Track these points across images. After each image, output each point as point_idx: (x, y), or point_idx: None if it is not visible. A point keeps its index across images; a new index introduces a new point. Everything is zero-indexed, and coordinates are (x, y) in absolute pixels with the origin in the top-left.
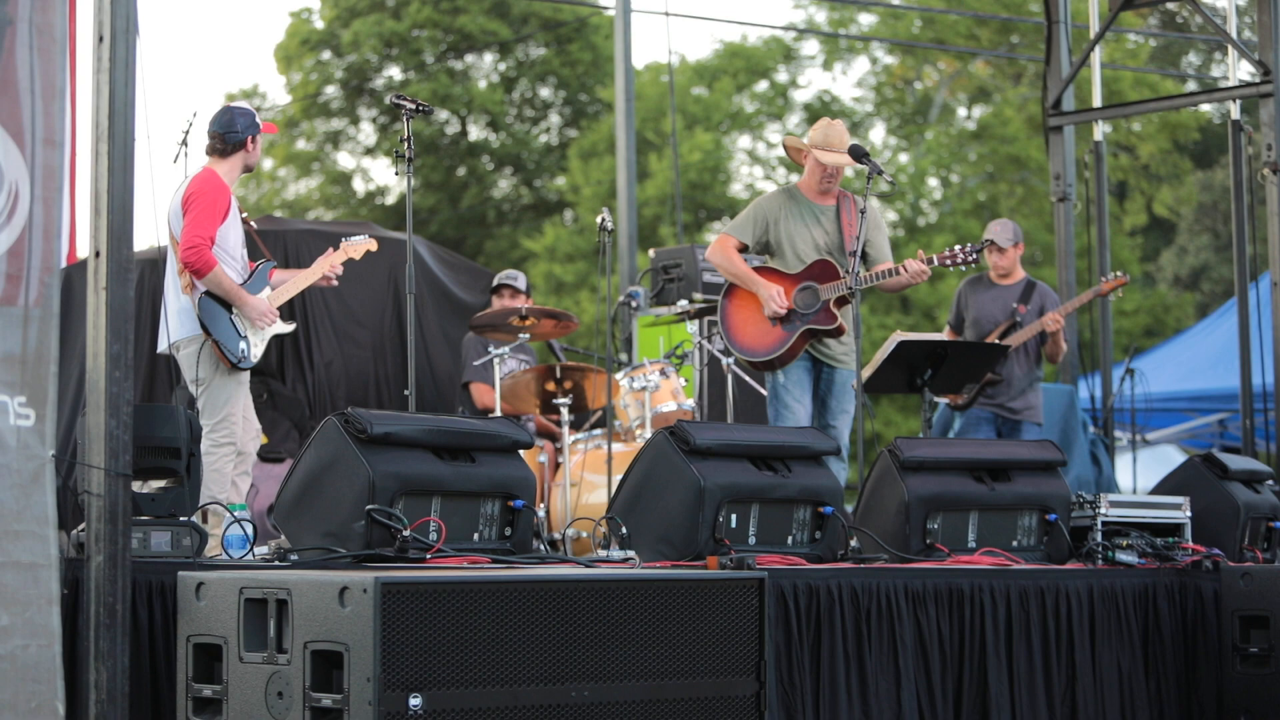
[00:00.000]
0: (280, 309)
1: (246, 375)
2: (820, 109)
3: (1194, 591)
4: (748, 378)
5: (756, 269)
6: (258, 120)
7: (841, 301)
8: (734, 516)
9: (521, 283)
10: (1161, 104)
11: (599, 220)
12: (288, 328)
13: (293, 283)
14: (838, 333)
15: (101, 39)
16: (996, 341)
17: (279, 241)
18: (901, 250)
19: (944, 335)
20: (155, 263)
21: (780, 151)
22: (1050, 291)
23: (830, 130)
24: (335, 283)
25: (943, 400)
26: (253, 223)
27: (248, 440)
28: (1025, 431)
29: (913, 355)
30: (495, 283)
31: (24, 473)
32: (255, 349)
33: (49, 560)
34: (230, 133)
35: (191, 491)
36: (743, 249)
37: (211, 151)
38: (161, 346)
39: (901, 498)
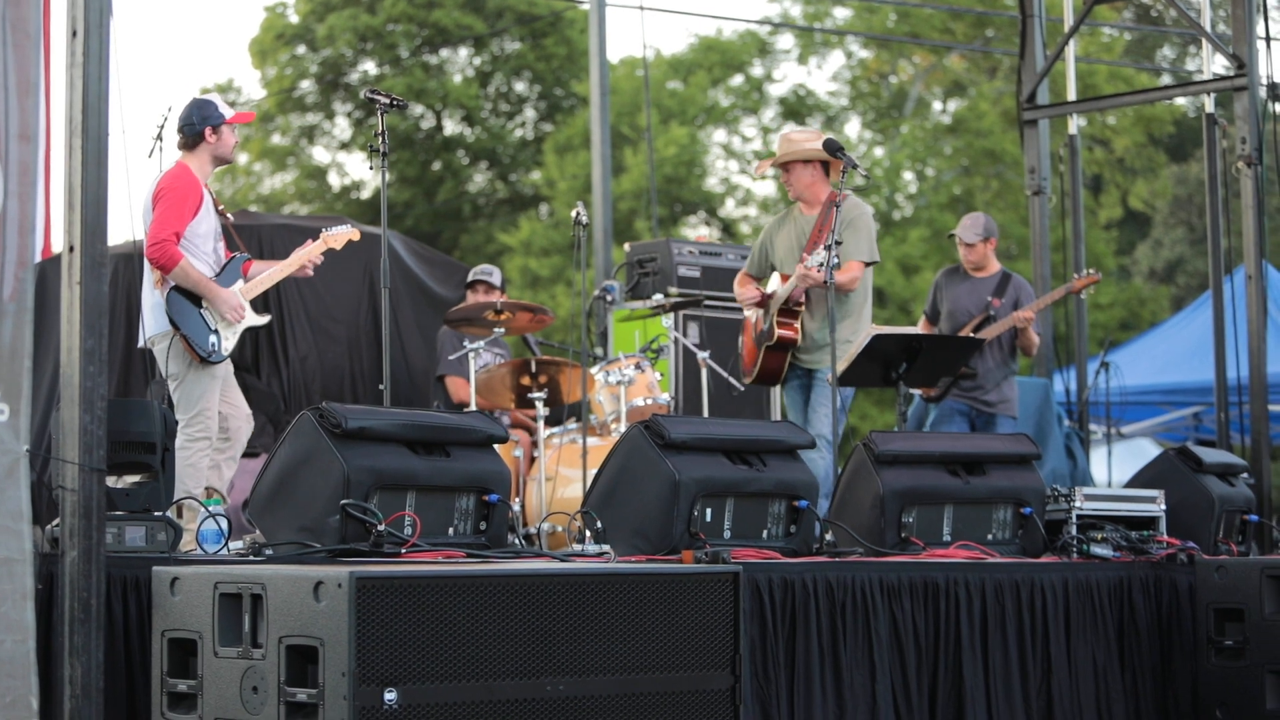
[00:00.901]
0: (256, 301)
1: (222, 368)
2: (795, 103)
3: (1169, 585)
4: (723, 372)
5: (762, 293)
6: (221, 110)
7: (787, 312)
8: (709, 510)
9: (496, 278)
10: (1136, 97)
11: (574, 214)
12: (261, 320)
13: (270, 274)
14: (789, 342)
15: (75, 33)
16: (971, 335)
17: (254, 236)
18: (880, 244)
19: (920, 327)
20: (130, 257)
21: (755, 146)
22: (1025, 284)
23: (781, 143)
24: (312, 273)
25: (917, 393)
26: (229, 215)
27: (239, 427)
28: (1000, 425)
29: (887, 349)
30: (470, 278)
31: None
32: (227, 342)
33: (23, 555)
34: (187, 125)
35: (166, 486)
36: (757, 278)
37: (180, 146)
38: (140, 342)
39: (876, 491)
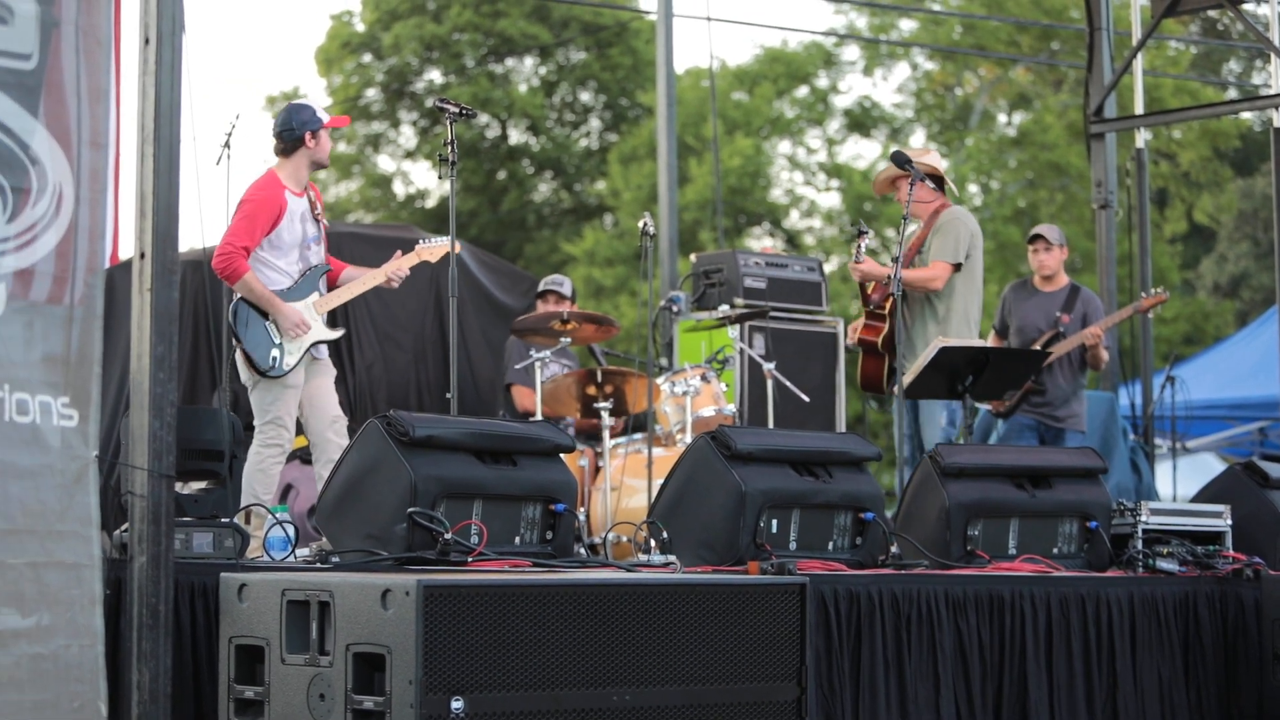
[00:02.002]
0: (334, 314)
1: (296, 377)
2: (860, 114)
3: (1234, 600)
4: (788, 383)
5: None
6: (319, 114)
7: (872, 315)
8: (775, 522)
9: (567, 288)
10: (1204, 111)
11: (641, 224)
12: (332, 335)
13: (352, 285)
14: (869, 345)
15: (147, 41)
16: (1038, 348)
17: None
18: None
19: (990, 341)
20: (199, 264)
21: (820, 157)
22: (1094, 298)
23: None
24: (396, 285)
25: (984, 406)
26: (325, 223)
27: (325, 429)
28: (1068, 439)
29: (954, 361)
30: (541, 288)
31: (67, 473)
32: (290, 357)
33: (92, 560)
34: (285, 130)
35: (233, 493)
36: None
37: (277, 152)
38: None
39: (942, 504)
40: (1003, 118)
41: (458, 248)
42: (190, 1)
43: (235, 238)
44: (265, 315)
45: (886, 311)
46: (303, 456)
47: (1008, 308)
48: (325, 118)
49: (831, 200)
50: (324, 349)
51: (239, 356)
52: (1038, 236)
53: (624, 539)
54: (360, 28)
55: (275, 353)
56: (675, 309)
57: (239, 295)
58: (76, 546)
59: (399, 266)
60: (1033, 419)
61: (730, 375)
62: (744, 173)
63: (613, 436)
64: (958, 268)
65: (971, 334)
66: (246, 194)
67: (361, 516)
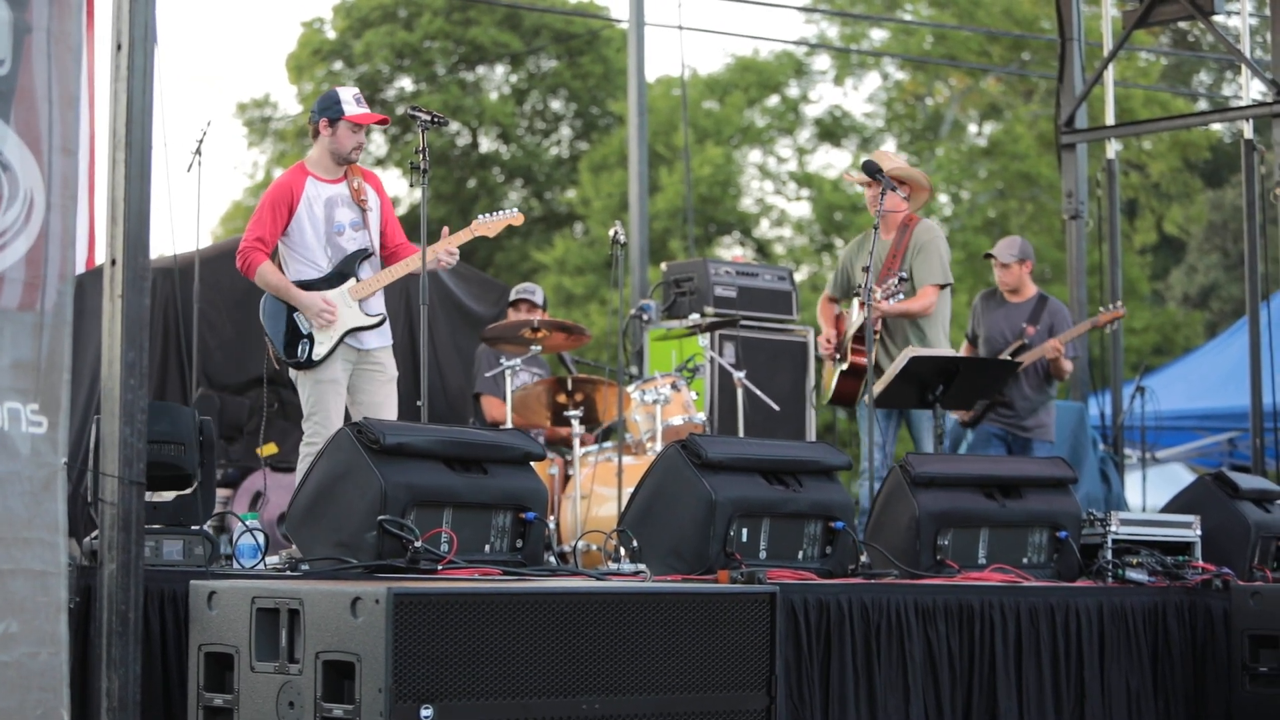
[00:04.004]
0: (391, 297)
1: (334, 370)
2: (831, 124)
3: (1204, 610)
4: (759, 392)
5: (839, 314)
6: (343, 105)
7: (861, 339)
8: (745, 531)
9: (539, 297)
10: (1175, 122)
11: (612, 233)
12: (369, 320)
13: (395, 267)
14: (862, 369)
15: (120, 47)
16: (1008, 358)
17: None
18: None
19: (962, 350)
20: (169, 272)
21: (791, 166)
22: (1061, 309)
23: (879, 154)
24: (450, 264)
25: (953, 416)
26: (377, 208)
27: None
28: (1036, 449)
29: (924, 371)
30: (513, 296)
31: (35, 480)
32: (320, 347)
33: (58, 568)
34: (311, 115)
35: (204, 500)
36: (838, 299)
37: (311, 136)
38: None
39: (912, 513)
40: (973, 128)
41: (520, 219)
42: (163, 8)
43: (250, 231)
44: (292, 307)
45: (878, 335)
46: (272, 464)
47: (977, 318)
48: (351, 110)
49: (802, 210)
50: (383, 356)
51: (269, 349)
52: (989, 255)
53: (594, 547)
54: (332, 35)
55: (304, 344)
56: (646, 317)
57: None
58: (43, 554)
59: (450, 244)
60: (1000, 429)
61: (700, 384)
62: (714, 181)
63: (583, 446)
64: (943, 287)
65: (947, 344)
66: (267, 190)
67: (332, 524)
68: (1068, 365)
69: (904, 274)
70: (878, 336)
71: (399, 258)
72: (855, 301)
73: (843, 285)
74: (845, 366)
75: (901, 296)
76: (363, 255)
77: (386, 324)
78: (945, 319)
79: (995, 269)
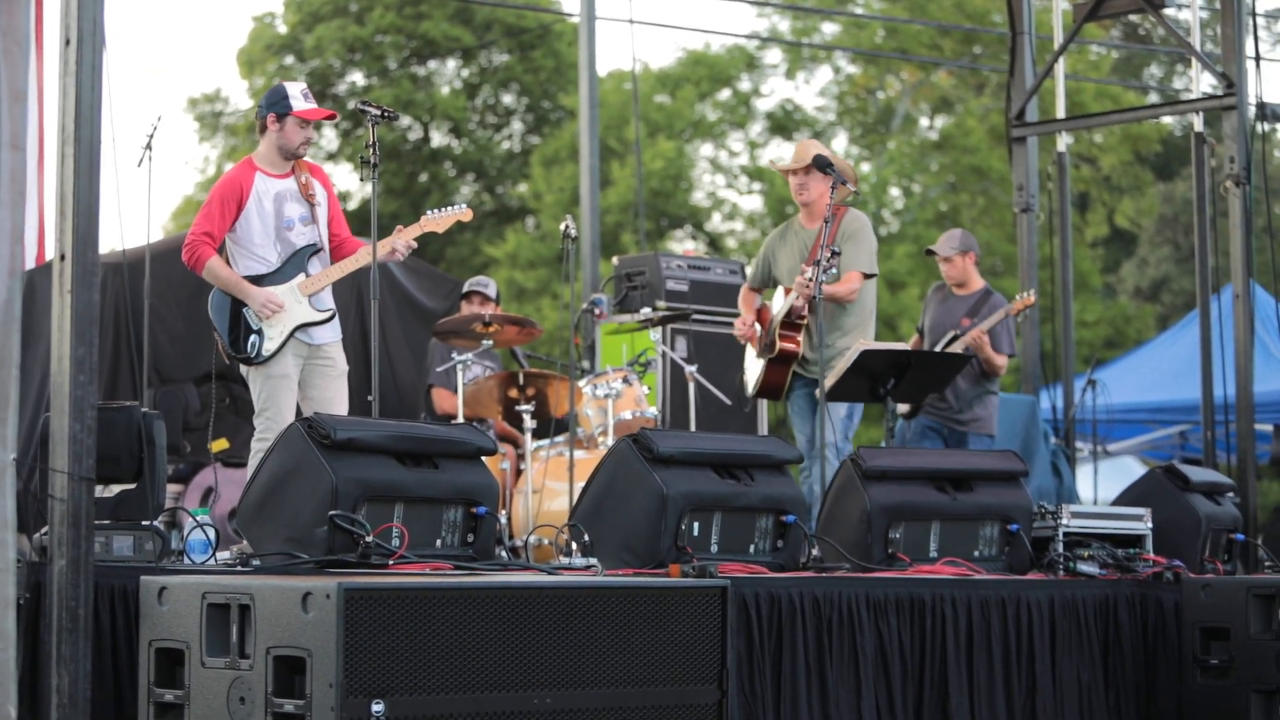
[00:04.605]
0: (339, 294)
1: (285, 365)
2: (783, 118)
3: (1155, 603)
4: (710, 386)
5: (762, 305)
6: (290, 101)
7: (789, 325)
8: (696, 524)
9: (491, 290)
10: (1125, 115)
11: (563, 227)
12: (319, 316)
13: (345, 262)
14: (790, 354)
15: (68, 42)
16: (959, 351)
17: None
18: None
19: (912, 343)
20: (119, 267)
21: (743, 160)
22: (1000, 302)
23: (795, 147)
24: (401, 257)
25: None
26: (323, 202)
27: None
28: (972, 443)
29: (875, 365)
30: (465, 288)
31: None
32: (270, 342)
33: (6, 564)
34: (258, 110)
35: (153, 495)
36: (759, 290)
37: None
38: None
39: (864, 507)
40: (925, 121)
41: (469, 215)
42: (112, 3)
43: (196, 226)
44: (242, 302)
45: (804, 322)
46: (224, 460)
47: (926, 310)
48: (299, 105)
49: (754, 203)
50: (333, 351)
51: (218, 344)
52: (930, 252)
53: (545, 542)
54: (283, 29)
55: (254, 339)
56: (597, 311)
57: (216, 285)
58: None
59: (404, 239)
60: (936, 421)
61: (652, 378)
62: (666, 175)
63: (534, 440)
64: (869, 276)
65: (871, 336)
66: (215, 185)
67: (282, 519)
68: (998, 360)
69: (836, 249)
70: (804, 323)
71: (345, 252)
72: (780, 290)
73: (763, 275)
74: (774, 354)
75: (835, 272)
76: (312, 250)
77: (336, 319)
78: (872, 311)
79: (940, 264)
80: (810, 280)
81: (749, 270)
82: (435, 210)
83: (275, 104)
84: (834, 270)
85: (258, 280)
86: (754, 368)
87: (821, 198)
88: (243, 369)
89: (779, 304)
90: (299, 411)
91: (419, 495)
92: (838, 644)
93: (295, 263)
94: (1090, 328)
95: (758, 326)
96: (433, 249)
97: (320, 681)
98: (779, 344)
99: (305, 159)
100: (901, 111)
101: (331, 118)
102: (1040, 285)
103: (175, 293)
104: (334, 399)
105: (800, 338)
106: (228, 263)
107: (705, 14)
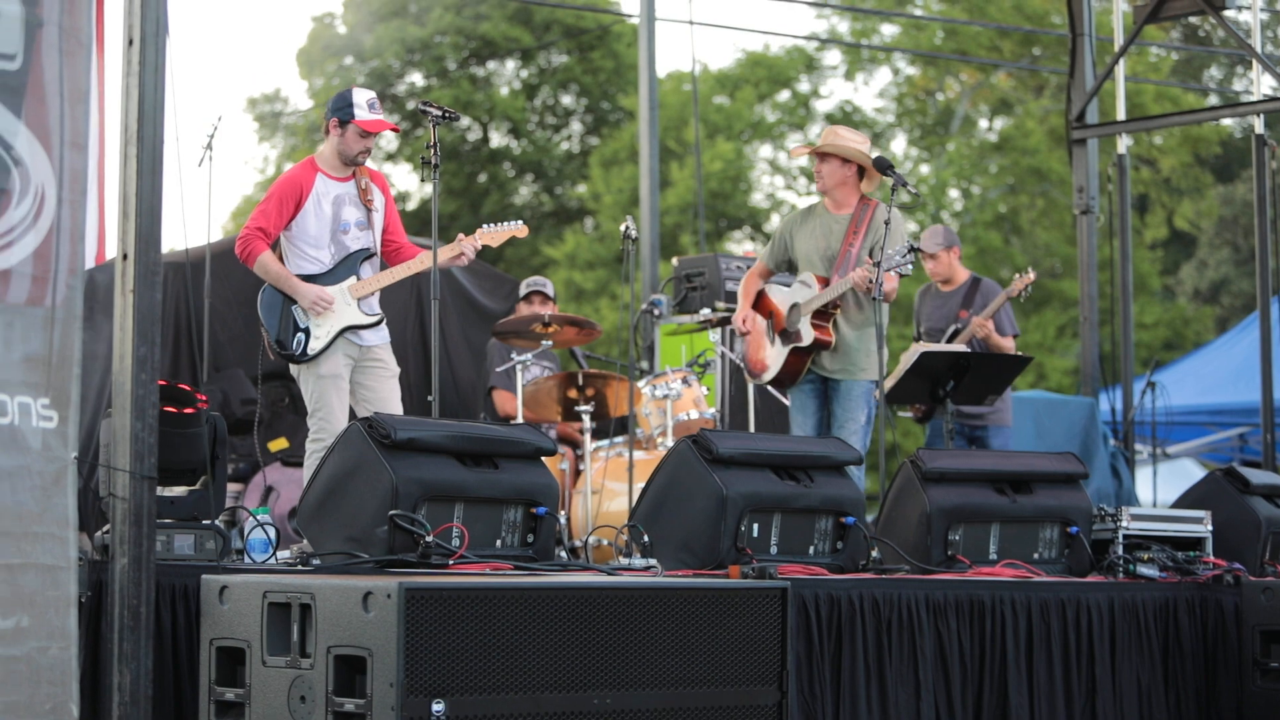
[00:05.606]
0: (399, 294)
1: (335, 365)
2: (842, 119)
3: (1215, 606)
4: (770, 387)
5: (760, 290)
6: (353, 109)
7: (822, 314)
8: (756, 526)
9: (550, 289)
10: (1186, 118)
11: (623, 228)
12: (367, 319)
13: (398, 268)
14: (818, 346)
15: (131, 42)
16: (965, 343)
17: None
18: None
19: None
20: (180, 266)
21: (802, 161)
22: (993, 288)
23: (826, 133)
24: (465, 262)
25: (906, 413)
26: (381, 208)
27: None
28: (992, 436)
29: (935, 367)
30: (524, 289)
31: (46, 474)
32: (316, 341)
33: (68, 563)
34: (325, 113)
35: (216, 495)
36: (774, 271)
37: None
38: None
39: (923, 509)
40: (984, 123)
41: (525, 231)
42: (174, 3)
43: (253, 221)
44: (291, 300)
45: (837, 313)
46: (284, 459)
47: (918, 314)
48: (362, 115)
49: (811, 202)
50: (383, 353)
51: (264, 340)
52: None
53: (605, 542)
54: (342, 30)
55: (300, 336)
56: (656, 312)
57: (268, 281)
58: (53, 548)
59: (462, 249)
60: (954, 422)
61: (711, 379)
62: (725, 176)
63: (593, 440)
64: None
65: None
66: (275, 182)
67: (343, 519)
68: (1005, 344)
69: (914, 244)
70: (836, 313)
71: (402, 257)
72: (805, 276)
73: (778, 256)
74: (805, 343)
75: (910, 268)
76: (365, 255)
77: (384, 323)
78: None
79: (925, 262)
80: (871, 280)
81: (761, 250)
82: (491, 225)
83: (340, 109)
84: (909, 267)
85: (309, 280)
86: (774, 354)
87: (840, 185)
88: (293, 369)
89: (800, 293)
90: (352, 412)
91: (479, 495)
92: (897, 646)
93: (348, 265)
94: (1149, 330)
95: (759, 319)
96: (491, 250)
97: (381, 681)
98: (815, 334)
99: (366, 164)
100: (961, 113)
101: (394, 130)
102: (1100, 287)
103: (235, 292)
104: (388, 398)
105: (832, 329)
106: (280, 260)
107: (764, 15)
